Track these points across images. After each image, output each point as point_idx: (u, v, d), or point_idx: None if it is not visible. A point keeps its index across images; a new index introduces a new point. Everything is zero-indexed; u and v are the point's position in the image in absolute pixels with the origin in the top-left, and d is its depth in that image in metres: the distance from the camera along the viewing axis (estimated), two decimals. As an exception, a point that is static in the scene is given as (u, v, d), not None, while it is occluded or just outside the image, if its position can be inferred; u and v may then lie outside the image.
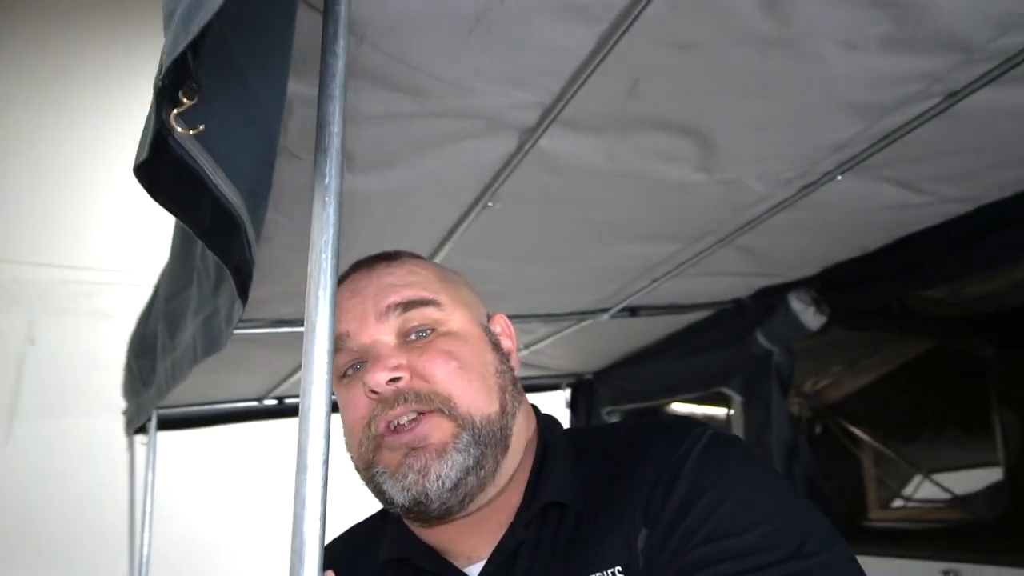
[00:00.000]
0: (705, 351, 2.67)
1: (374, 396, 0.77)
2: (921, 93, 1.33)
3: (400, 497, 0.75)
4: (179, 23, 0.49)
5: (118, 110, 4.85)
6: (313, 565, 0.49)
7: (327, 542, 0.92)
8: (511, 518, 0.79)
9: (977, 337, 3.06)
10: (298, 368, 2.47)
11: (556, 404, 3.53)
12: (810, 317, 2.33)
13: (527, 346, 2.69)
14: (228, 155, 0.61)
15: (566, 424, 3.89)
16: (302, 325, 1.88)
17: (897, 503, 3.56)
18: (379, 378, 0.75)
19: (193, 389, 2.26)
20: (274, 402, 2.92)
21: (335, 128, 0.49)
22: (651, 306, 2.41)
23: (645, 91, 1.19)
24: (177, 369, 1.24)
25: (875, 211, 1.81)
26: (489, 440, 0.77)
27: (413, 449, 0.75)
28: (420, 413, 0.76)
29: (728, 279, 2.25)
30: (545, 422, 0.88)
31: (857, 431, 3.63)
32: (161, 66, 0.48)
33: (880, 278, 2.15)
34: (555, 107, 1.21)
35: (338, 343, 0.80)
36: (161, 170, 0.54)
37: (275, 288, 1.71)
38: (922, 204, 1.80)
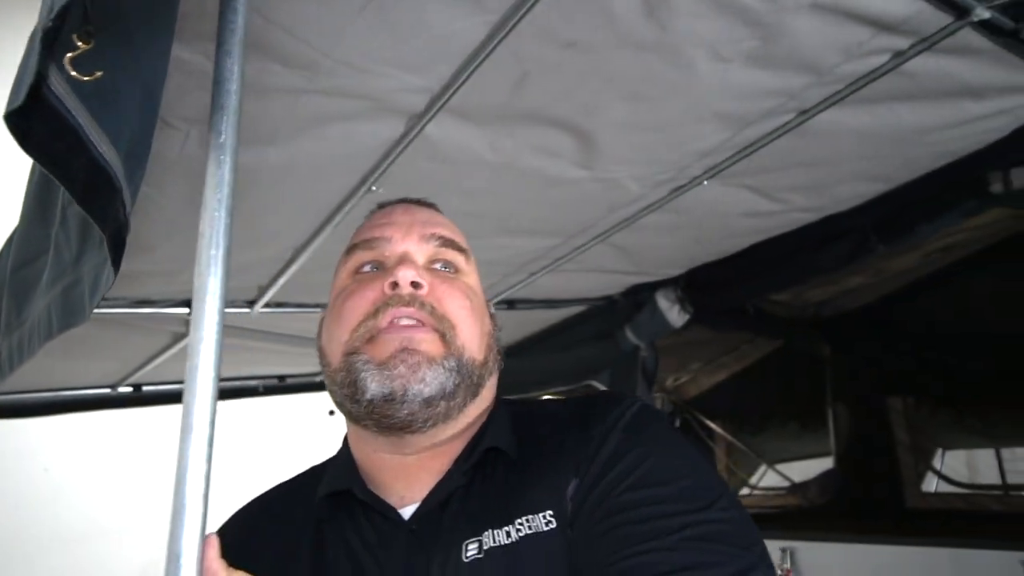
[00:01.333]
0: (577, 346, 2.76)
1: (392, 291, 0.79)
2: (778, 108, 1.45)
3: (377, 388, 0.76)
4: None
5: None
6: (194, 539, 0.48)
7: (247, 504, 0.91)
8: (449, 467, 0.82)
9: (816, 338, 3.36)
10: (159, 353, 2.34)
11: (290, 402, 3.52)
12: (675, 315, 2.48)
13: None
14: (109, 113, 0.58)
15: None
16: (166, 306, 1.79)
17: (744, 491, 3.84)
18: (409, 275, 0.79)
19: (34, 373, 2.08)
20: (129, 390, 2.74)
21: (232, 86, 0.48)
22: (528, 300, 2.47)
23: (531, 86, 1.23)
24: (25, 345, 1.14)
25: (736, 216, 1.96)
26: (467, 377, 0.81)
27: (406, 349, 0.77)
28: (421, 323, 0.79)
29: (602, 276, 2.34)
30: (500, 400, 0.94)
31: (712, 424, 3.89)
32: (52, 5, 0.45)
33: (737, 280, 2.32)
34: (444, 95, 1.22)
35: (368, 243, 0.85)
36: (35, 120, 0.51)
37: (137, 265, 1.62)
38: (776, 212, 1.96)
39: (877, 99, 1.49)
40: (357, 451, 0.88)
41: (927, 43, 1.34)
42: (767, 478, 3.76)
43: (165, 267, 1.62)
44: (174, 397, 2.84)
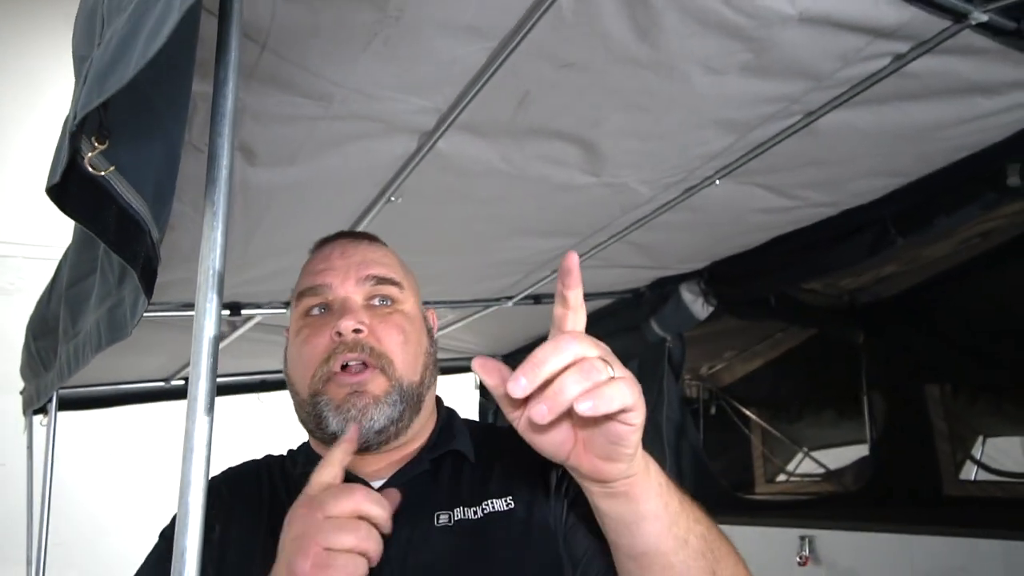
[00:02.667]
0: (605, 337, 2.80)
1: (338, 338, 0.92)
2: (781, 112, 1.49)
3: (337, 424, 0.90)
4: (93, 81, 0.55)
5: (14, 74, 4.62)
6: (195, 537, 0.56)
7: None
8: (414, 456, 0.97)
9: (850, 325, 3.35)
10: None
11: (466, 385, 3.63)
12: (699, 307, 2.52)
13: (439, 330, 2.78)
14: (134, 168, 0.68)
15: (475, 404, 3.99)
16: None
17: (781, 478, 3.86)
18: (350, 324, 0.92)
19: (97, 369, 2.26)
20: (181, 383, 2.92)
21: (224, 160, 0.57)
22: (554, 294, 2.54)
23: (534, 103, 1.30)
24: (80, 354, 1.27)
25: (752, 212, 1.99)
26: (409, 400, 0.94)
27: (356, 392, 0.91)
28: (365, 365, 0.92)
29: (625, 271, 2.40)
30: (447, 405, 1.08)
31: (747, 411, 3.91)
32: (74, 114, 0.55)
33: (759, 273, 2.34)
34: (451, 113, 1.30)
35: (313, 289, 0.98)
36: (70, 187, 0.61)
37: (181, 273, 1.75)
38: (792, 207, 1.98)
39: (884, 99, 1.51)
40: (322, 452, 0.99)
41: (927, 46, 1.35)
42: (804, 465, 3.77)
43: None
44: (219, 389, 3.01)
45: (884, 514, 2.83)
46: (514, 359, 3.52)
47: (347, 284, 0.97)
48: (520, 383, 0.60)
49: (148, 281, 0.82)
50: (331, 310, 0.96)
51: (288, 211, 1.54)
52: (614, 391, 0.62)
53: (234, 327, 2.26)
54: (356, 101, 1.22)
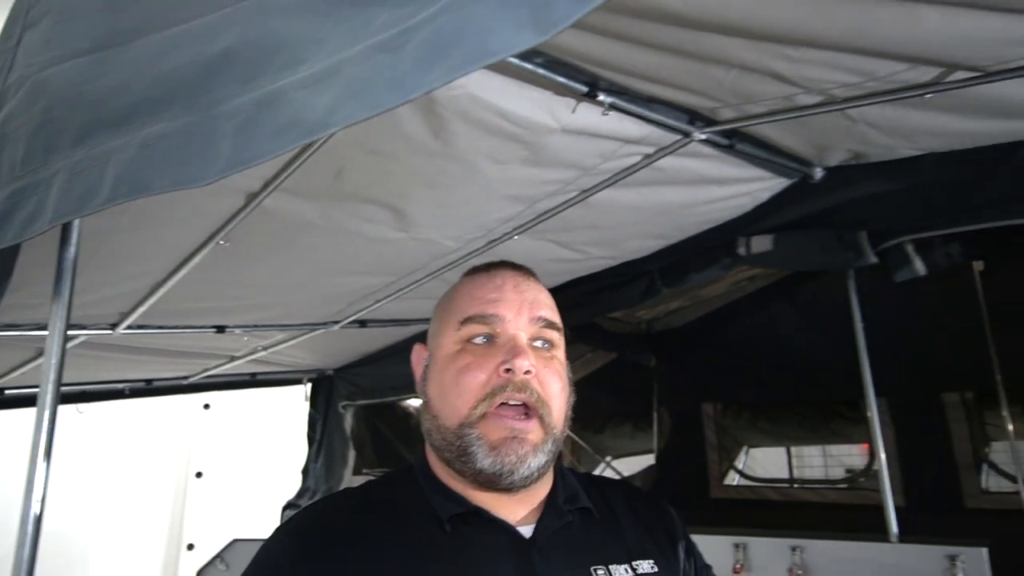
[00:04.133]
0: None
1: (506, 375, 0.91)
2: (560, 190, 1.82)
3: (489, 465, 0.89)
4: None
5: None
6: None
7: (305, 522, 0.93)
8: (543, 499, 0.97)
9: (646, 350, 3.83)
10: (21, 364, 2.48)
11: (296, 397, 3.76)
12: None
13: (265, 348, 2.92)
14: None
15: (304, 416, 4.10)
16: (27, 329, 2.02)
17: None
18: (524, 364, 0.90)
19: None
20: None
21: (68, 275, 0.76)
22: (378, 320, 2.77)
23: (348, 176, 1.53)
24: None
25: (547, 262, 2.33)
26: (556, 449, 0.95)
27: (516, 438, 0.90)
28: (527, 408, 0.91)
29: (430, 302, 2.67)
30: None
31: (559, 424, 4.30)
32: None
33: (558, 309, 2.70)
34: (275, 180, 1.50)
35: (484, 318, 0.94)
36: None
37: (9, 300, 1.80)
38: (580, 259, 2.35)
39: (642, 183, 1.88)
40: (448, 481, 0.97)
41: (667, 151, 1.73)
42: (605, 473, 4.23)
43: (28, 301, 1.82)
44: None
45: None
46: (345, 373, 3.70)
47: (519, 320, 0.94)
48: None
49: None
50: (495, 343, 0.94)
51: (119, 249, 1.66)
52: None
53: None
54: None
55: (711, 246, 2.24)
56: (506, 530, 0.92)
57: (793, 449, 3.77)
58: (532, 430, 0.91)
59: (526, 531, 0.92)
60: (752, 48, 1.22)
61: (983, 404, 2.94)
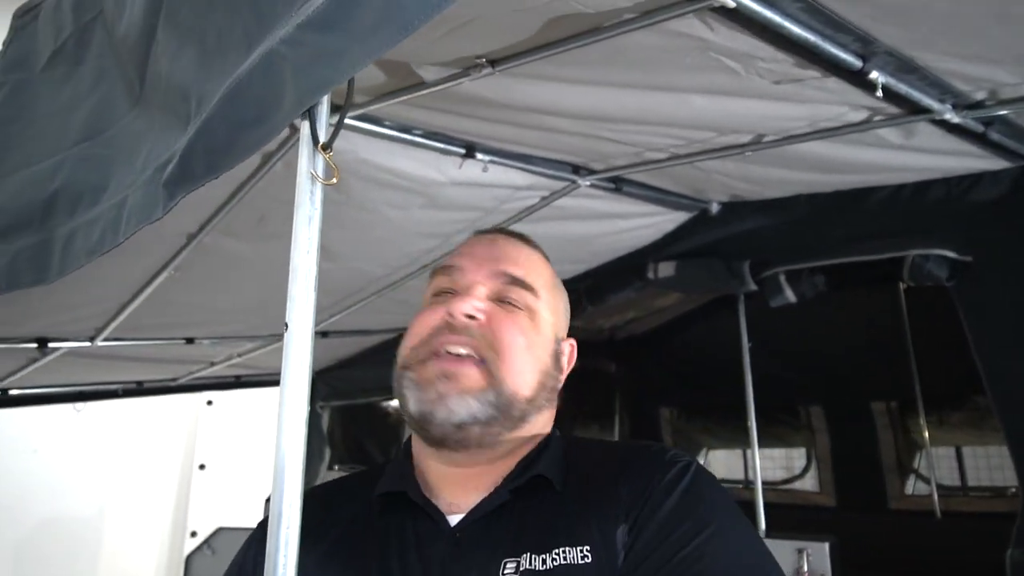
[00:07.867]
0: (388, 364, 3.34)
1: (448, 318, 0.86)
2: (468, 227, 2.05)
3: (415, 405, 0.84)
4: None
5: None
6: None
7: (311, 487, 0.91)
8: (496, 484, 0.86)
9: (608, 357, 4.06)
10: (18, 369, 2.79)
11: (275, 398, 4.03)
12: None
13: (240, 355, 3.20)
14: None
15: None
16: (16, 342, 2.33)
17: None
18: (462, 307, 0.86)
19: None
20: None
21: None
22: (340, 331, 3.03)
23: (270, 221, 1.78)
24: None
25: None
26: (506, 411, 0.84)
27: (443, 376, 0.83)
28: (468, 356, 0.84)
29: (395, 315, 2.93)
30: (555, 431, 0.96)
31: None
32: None
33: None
34: (208, 223, 1.76)
35: (445, 270, 0.93)
36: None
37: None
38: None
39: (549, 219, 2.11)
40: (416, 453, 0.92)
41: (561, 193, 1.96)
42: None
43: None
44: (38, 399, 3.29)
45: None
46: (322, 376, 3.98)
47: (478, 273, 0.90)
48: None
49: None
50: (454, 295, 0.90)
51: (83, 275, 1.93)
52: None
53: (44, 354, 2.59)
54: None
55: (625, 269, 2.47)
56: (430, 516, 0.85)
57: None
58: (463, 374, 0.83)
59: (455, 519, 0.85)
60: (581, 124, 1.46)
61: (905, 413, 3.13)
